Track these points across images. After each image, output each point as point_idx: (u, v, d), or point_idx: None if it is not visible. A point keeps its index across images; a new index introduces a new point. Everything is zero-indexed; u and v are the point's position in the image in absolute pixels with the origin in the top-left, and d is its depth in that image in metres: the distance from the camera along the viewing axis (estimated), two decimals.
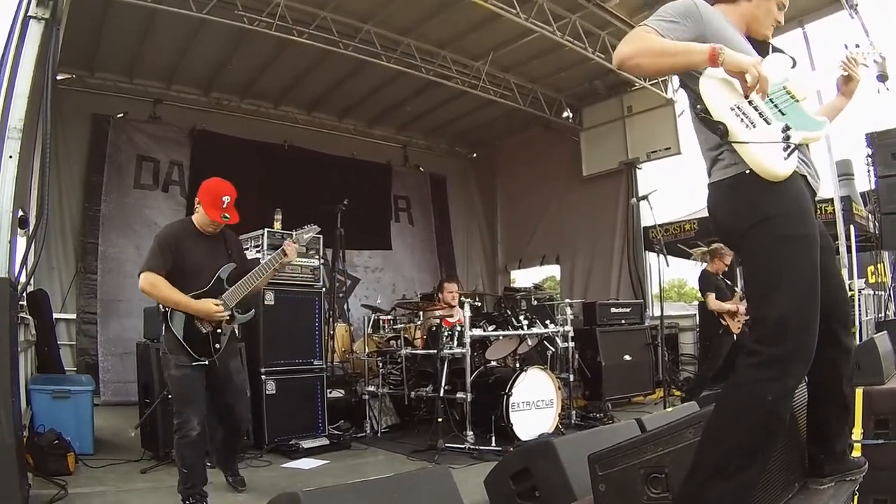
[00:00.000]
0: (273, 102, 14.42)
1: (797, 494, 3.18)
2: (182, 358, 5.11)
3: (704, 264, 9.53)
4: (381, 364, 8.81)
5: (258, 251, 7.72)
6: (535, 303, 10.68)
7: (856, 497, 3.44)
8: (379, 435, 8.50)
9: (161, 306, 5.19)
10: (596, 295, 13.21)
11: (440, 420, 7.37)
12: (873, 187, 10.23)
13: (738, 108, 2.79)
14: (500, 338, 8.18)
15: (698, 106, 2.84)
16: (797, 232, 2.81)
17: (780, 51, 3.16)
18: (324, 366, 8.24)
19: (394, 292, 14.33)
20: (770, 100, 2.87)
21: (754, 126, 2.78)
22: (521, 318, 8.23)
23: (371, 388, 8.70)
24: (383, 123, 16.07)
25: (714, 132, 2.81)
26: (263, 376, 7.55)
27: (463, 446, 7.29)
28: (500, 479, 4.81)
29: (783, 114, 2.89)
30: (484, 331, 7.95)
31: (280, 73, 12.84)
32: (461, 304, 7.97)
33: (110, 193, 11.99)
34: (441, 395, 7.53)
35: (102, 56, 11.68)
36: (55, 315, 10.36)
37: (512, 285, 15.87)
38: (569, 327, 8.97)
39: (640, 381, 10.84)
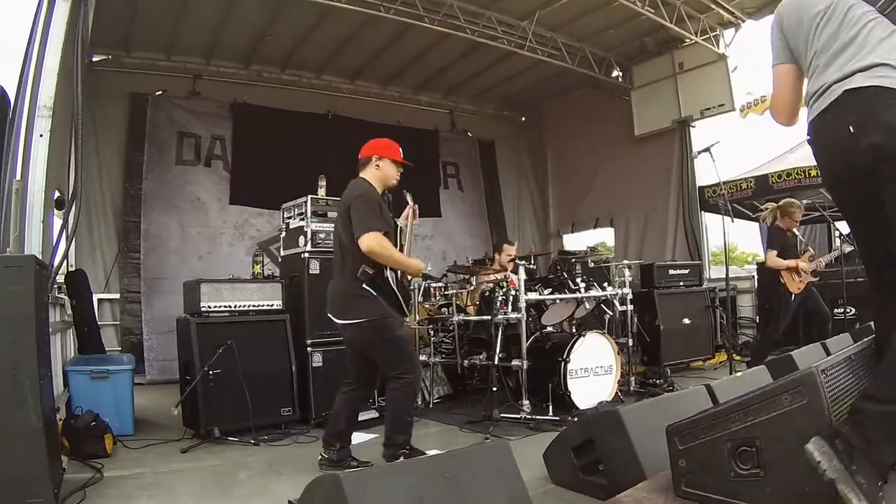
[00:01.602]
0: (315, 72, 14.25)
1: None
2: (398, 317, 5.31)
3: (775, 222, 9.08)
4: (431, 332, 8.59)
5: (302, 218, 7.55)
6: (591, 265, 10.32)
7: None
8: (431, 406, 8.27)
9: (367, 269, 5.13)
10: (651, 258, 12.73)
11: (495, 389, 7.07)
12: None
13: None
14: (557, 302, 7.88)
15: None
16: None
17: None
18: None
19: (444, 259, 14.07)
20: None
21: None
22: (578, 280, 7.92)
23: (422, 358, 8.38)
24: (429, 89, 15.75)
25: None
26: (310, 348, 7.30)
27: (519, 416, 6.98)
28: (561, 451, 4.55)
29: None
30: (539, 294, 7.66)
31: (321, 42, 12.64)
32: (515, 269, 7.68)
33: (151, 171, 11.97)
34: (496, 362, 7.23)
35: (138, 35, 11.63)
36: (98, 296, 10.52)
37: (564, 249, 15.46)
38: (627, 289, 8.63)
39: (700, 346, 10.53)
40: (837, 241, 10.09)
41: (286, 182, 7.48)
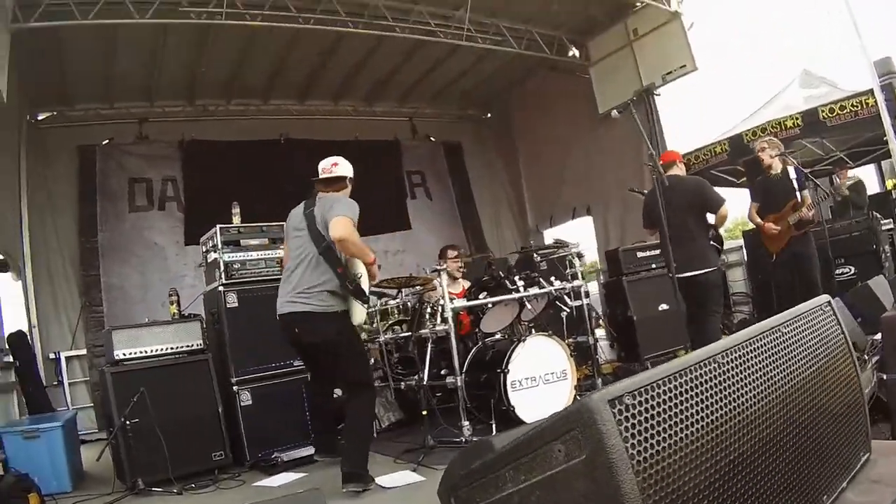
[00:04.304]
0: (262, 98, 13.86)
1: None
2: None
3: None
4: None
5: (216, 250, 7.09)
6: (537, 261, 9.58)
7: None
8: (376, 435, 7.44)
9: (714, 230, 7.18)
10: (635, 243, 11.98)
11: (424, 413, 6.37)
12: None
13: None
14: (491, 305, 6.97)
15: None
16: None
17: None
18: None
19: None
20: None
21: None
22: (516, 279, 6.99)
23: None
24: (383, 98, 15.10)
25: None
26: (235, 387, 6.82)
27: (458, 440, 6.21)
28: (448, 489, 3.77)
29: None
30: (468, 300, 6.86)
31: (258, 65, 12.25)
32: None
33: (105, 222, 11.93)
34: (425, 382, 6.56)
35: (76, 87, 11.48)
36: (66, 353, 10.82)
37: (524, 246, 14.60)
38: (579, 281, 7.76)
39: (683, 332, 9.56)
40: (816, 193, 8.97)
41: (243, 214, 7.09)
